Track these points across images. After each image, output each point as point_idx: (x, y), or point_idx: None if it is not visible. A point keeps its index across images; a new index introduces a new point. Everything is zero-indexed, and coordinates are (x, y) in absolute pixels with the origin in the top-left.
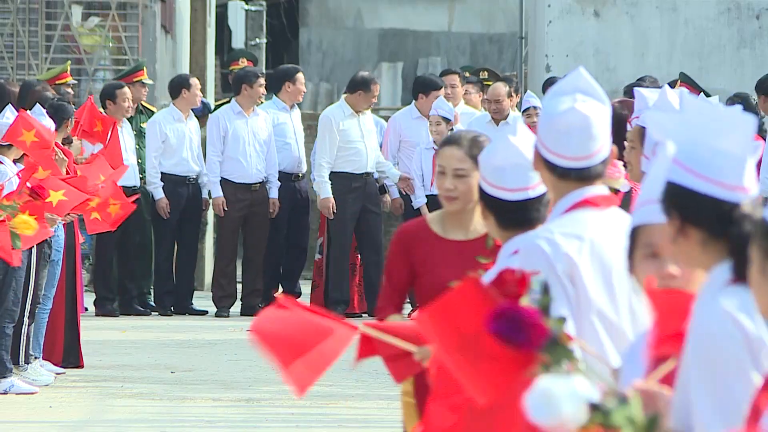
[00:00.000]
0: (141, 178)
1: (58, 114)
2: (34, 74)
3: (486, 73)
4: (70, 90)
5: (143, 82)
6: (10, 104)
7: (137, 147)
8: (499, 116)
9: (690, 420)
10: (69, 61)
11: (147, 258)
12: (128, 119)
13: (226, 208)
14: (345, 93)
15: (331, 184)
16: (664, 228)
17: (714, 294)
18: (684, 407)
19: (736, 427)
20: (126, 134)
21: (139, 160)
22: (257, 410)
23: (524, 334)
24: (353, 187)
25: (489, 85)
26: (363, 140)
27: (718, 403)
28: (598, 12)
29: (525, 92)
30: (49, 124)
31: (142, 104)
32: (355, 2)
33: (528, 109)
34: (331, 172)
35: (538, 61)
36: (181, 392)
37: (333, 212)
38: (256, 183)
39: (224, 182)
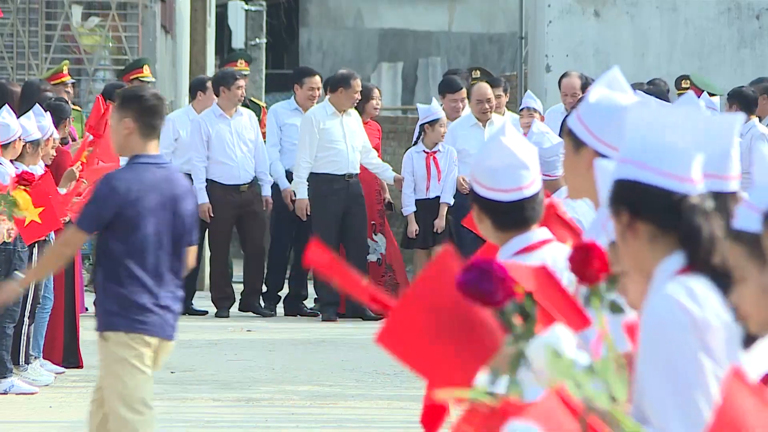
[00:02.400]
0: None
1: (56, 114)
2: (34, 74)
3: (478, 72)
4: (69, 90)
5: (141, 80)
6: (7, 104)
7: None
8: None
9: (644, 407)
10: (66, 61)
11: None
12: None
13: (212, 214)
14: (327, 93)
15: (312, 185)
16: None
17: (662, 283)
18: (640, 396)
19: (688, 412)
20: None
21: None
22: (257, 410)
23: (493, 286)
24: (334, 188)
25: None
26: (345, 140)
27: (668, 389)
28: (598, 12)
29: (525, 92)
30: (47, 123)
31: None
32: (355, 2)
33: (522, 110)
34: (313, 173)
35: (538, 61)
36: (181, 392)
37: (306, 214)
38: (244, 184)
39: (212, 185)
